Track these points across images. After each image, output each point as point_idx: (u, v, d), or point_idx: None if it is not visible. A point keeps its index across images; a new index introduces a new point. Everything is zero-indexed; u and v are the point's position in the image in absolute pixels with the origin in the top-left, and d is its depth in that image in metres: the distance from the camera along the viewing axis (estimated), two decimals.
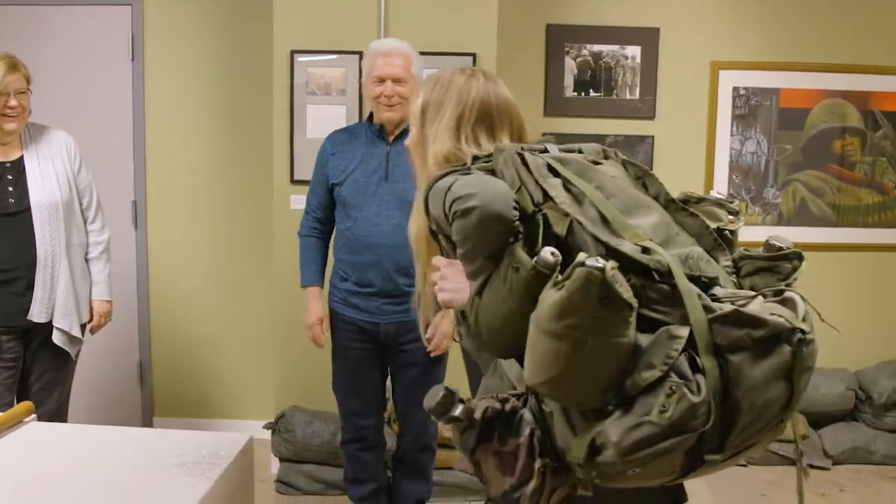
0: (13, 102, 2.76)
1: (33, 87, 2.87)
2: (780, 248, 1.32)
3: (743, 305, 1.16)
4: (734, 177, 4.13)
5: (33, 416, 1.88)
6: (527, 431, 1.22)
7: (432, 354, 2.74)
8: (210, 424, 4.03)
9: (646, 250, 1.20)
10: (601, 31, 4.02)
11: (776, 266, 1.31)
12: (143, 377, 4.11)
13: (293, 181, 3.53)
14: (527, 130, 1.61)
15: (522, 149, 1.39)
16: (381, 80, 2.72)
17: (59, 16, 3.92)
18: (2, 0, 3.88)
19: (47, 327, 2.86)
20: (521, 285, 1.21)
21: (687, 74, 4.05)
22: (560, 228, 1.27)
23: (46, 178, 2.86)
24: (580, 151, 1.45)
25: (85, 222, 3.00)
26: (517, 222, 1.26)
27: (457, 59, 3.38)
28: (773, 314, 1.14)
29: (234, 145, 4.01)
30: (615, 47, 4.02)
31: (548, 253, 1.20)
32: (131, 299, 4.03)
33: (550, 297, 1.13)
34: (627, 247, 1.20)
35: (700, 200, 1.40)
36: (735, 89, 4.07)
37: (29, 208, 2.81)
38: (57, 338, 2.87)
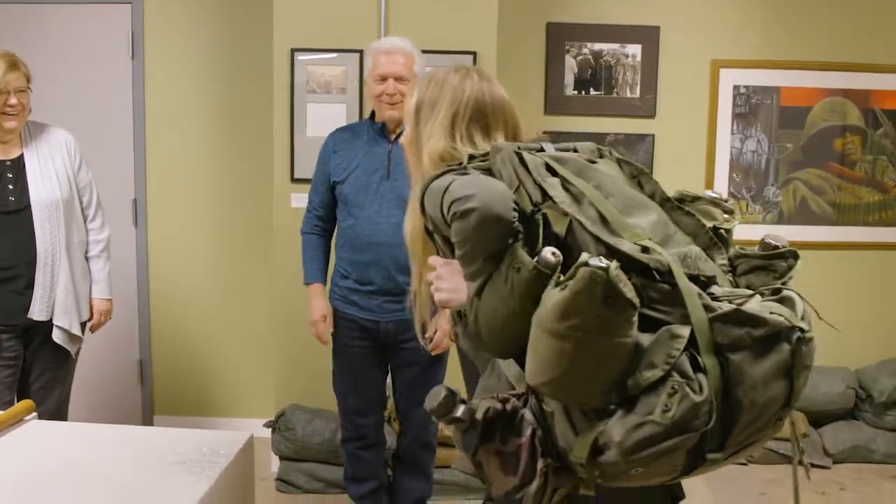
0: (13, 101, 2.76)
1: (33, 86, 2.87)
2: (776, 247, 1.32)
3: (741, 304, 1.16)
4: (735, 175, 4.13)
5: (34, 414, 1.88)
6: (528, 431, 1.22)
7: (433, 353, 2.74)
8: (210, 423, 4.03)
9: (645, 249, 1.20)
10: (602, 30, 4.01)
11: (772, 265, 1.32)
12: (144, 375, 4.11)
13: (293, 180, 3.53)
14: (521, 129, 1.60)
15: (519, 148, 1.38)
16: (384, 79, 2.72)
17: (60, 14, 3.92)
18: None
19: (47, 325, 2.86)
20: (522, 286, 1.21)
21: (687, 73, 4.05)
22: (560, 228, 1.26)
23: (46, 176, 2.86)
24: (575, 150, 1.44)
25: (85, 220, 3.00)
26: (516, 223, 1.25)
27: (457, 57, 3.37)
28: (772, 313, 1.14)
29: (234, 144, 4.01)
30: (615, 46, 4.02)
31: (549, 253, 1.20)
32: (131, 298, 4.03)
33: (553, 297, 1.13)
34: (627, 246, 1.20)
35: (695, 199, 1.40)
36: (735, 88, 4.07)
37: (29, 206, 2.81)
38: (57, 336, 2.87)
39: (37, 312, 2.83)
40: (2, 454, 1.65)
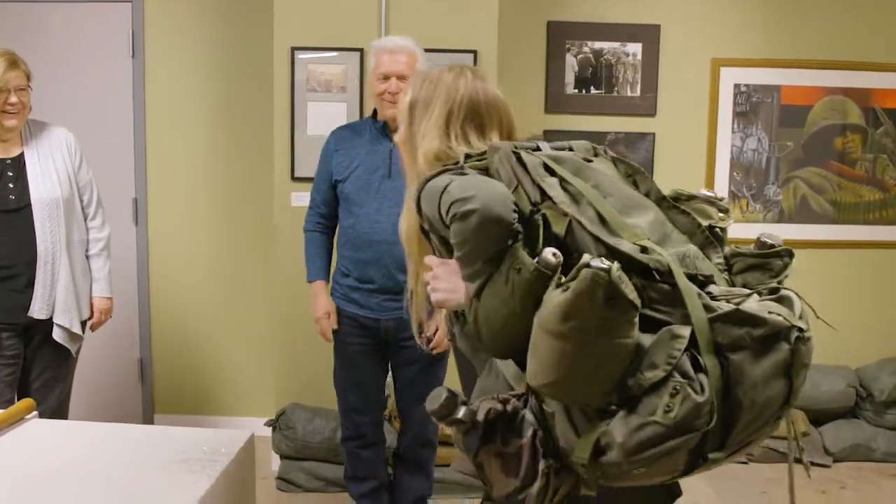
0: (13, 99, 2.75)
1: (34, 84, 2.87)
2: (772, 246, 1.32)
3: (739, 303, 1.16)
4: (735, 174, 4.12)
5: (34, 413, 1.88)
6: (529, 432, 1.21)
7: (434, 352, 2.74)
8: (211, 421, 4.03)
9: (645, 250, 1.20)
10: (602, 28, 4.01)
11: (767, 263, 1.32)
12: (144, 374, 4.11)
13: (294, 178, 3.53)
14: (516, 128, 1.59)
15: (516, 147, 1.38)
16: (386, 77, 2.72)
17: (60, 13, 3.92)
18: None
19: (48, 324, 2.86)
20: (523, 286, 1.20)
21: (688, 71, 4.04)
22: (559, 228, 1.26)
23: (47, 174, 2.86)
24: (570, 149, 1.44)
25: (85, 219, 3.00)
26: (516, 224, 1.25)
27: (457, 55, 3.37)
28: (771, 312, 1.15)
29: (234, 142, 4.01)
30: (616, 44, 4.01)
31: (549, 254, 1.20)
32: (132, 296, 4.03)
33: (555, 298, 1.13)
34: (627, 246, 1.20)
35: (690, 198, 1.40)
36: (736, 86, 4.07)
37: (29, 205, 2.81)
38: (57, 334, 2.87)
39: (37, 311, 2.83)
40: (2, 453, 1.65)
